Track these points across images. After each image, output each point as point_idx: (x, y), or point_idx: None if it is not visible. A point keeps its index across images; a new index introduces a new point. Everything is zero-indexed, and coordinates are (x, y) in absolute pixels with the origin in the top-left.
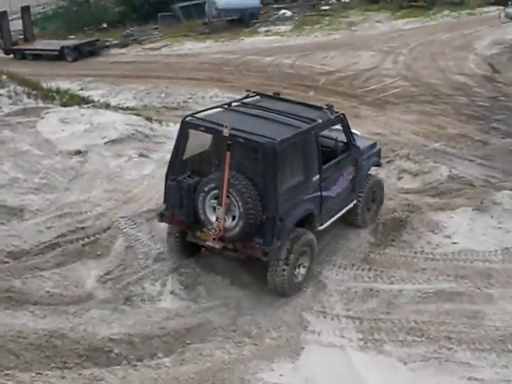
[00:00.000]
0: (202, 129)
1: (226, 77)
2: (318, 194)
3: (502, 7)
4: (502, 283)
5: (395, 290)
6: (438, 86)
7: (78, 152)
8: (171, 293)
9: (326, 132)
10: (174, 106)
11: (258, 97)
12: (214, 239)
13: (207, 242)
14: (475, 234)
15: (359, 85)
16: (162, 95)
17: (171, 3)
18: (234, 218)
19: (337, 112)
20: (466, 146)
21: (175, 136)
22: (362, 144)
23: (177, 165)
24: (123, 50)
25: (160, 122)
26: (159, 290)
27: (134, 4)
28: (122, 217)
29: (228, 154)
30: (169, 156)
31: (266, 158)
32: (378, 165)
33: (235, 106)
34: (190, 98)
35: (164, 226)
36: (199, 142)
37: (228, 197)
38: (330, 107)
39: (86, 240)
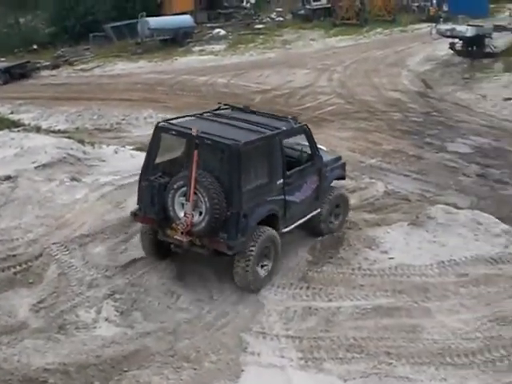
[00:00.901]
0: (174, 132)
1: (160, 97)
2: (282, 197)
3: (433, 24)
4: (439, 297)
5: (334, 307)
6: (372, 102)
7: (8, 177)
8: (106, 319)
9: (292, 143)
10: (106, 128)
11: (229, 109)
12: (182, 233)
13: (176, 236)
14: (411, 248)
15: (295, 103)
16: (95, 117)
17: (103, 23)
18: (200, 213)
19: (301, 123)
20: (400, 161)
21: (109, 159)
22: (326, 157)
23: (149, 168)
24: (54, 72)
25: (93, 144)
26: (94, 318)
27: (66, 25)
28: (54, 243)
29: (195, 152)
30: (103, 179)
31: (231, 158)
32: (342, 178)
33: (206, 115)
34: (123, 120)
35: (98, 251)
36: (170, 147)
37: (195, 193)
38: (294, 118)
39: (18, 268)
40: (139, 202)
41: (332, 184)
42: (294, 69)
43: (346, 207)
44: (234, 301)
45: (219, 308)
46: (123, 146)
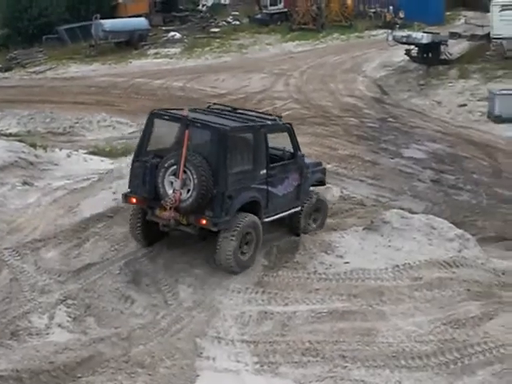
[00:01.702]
0: (166, 117)
1: (115, 100)
2: (265, 187)
3: (389, 30)
4: (394, 300)
5: (289, 311)
6: (328, 107)
7: None
8: (59, 325)
9: (275, 145)
10: (59, 132)
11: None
12: (170, 209)
13: (164, 213)
14: (366, 252)
15: (251, 107)
16: (47, 120)
17: (56, 25)
18: (188, 191)
19: (285, 122)
20: (356, 166)
21: (61, 163)
22: (307, 160)
23: (142, 151)
24: (6, 74)
25: (45, 148)
26: (47, 323)
27: (18, 26)
28: (6, 248)
29: (187, 132)
30: (55, 183)
31: (219, 140)
32: (323, 182)
33: (198, 110)
34: (76, 123)
35: (50, 256)
36: (162, 134)
37: (185, 172)
38: (279, 117)
39: None
40: (130, 183)
41: (312, 189)
42: (250, 73)
43: (324, 213)
44: (189, 306)
45: (174, 313)
46: (76, 150)
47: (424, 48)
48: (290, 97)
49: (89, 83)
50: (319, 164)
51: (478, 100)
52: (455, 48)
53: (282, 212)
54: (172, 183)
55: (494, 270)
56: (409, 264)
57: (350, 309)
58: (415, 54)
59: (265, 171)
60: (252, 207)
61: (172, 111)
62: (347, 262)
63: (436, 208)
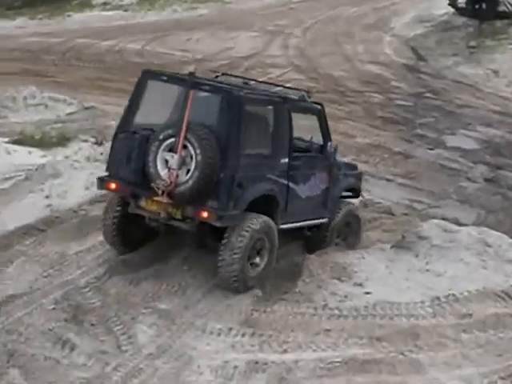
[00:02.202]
0: (164, 78)
1: (48, 69)
2: (285, 182)
3: None
4: (432, 346)
5: (289, 360)
6: (343, 79)
7: None
8: None
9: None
10: None
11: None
12: (163, 193)
13: (154, 198)
14: (395, 279)
15: None
16: None
17: None
18: (188, 172)
19: (315, 102)
20: (382, 160)
21: None
22: (340, 159)
23: (129, 121)
24: None
25: None
26: None
27: None
28: None
29: (191, 92)
30: None
31: (231, 107)
32: (357, 192)
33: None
34: None
35: None
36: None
37: (185, 147)
38: (308, 92)
39: None
40: (110, 163)
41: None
42: (235, 31)
43: (357, 229)
44: (151, 353)
45: (130, 363)
46: None
47: None
48: (289, 64)
49: (12, 45)
50: (354, 167)
51: None
52: None
53: (304, 220)
54: (167, 162)
55: None
56: (454, 295)
57: (372, 357)
58: (463, 5)
59: (286, 160)
60: (266, 207)
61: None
62: (369, 293)
63: (492, 218)
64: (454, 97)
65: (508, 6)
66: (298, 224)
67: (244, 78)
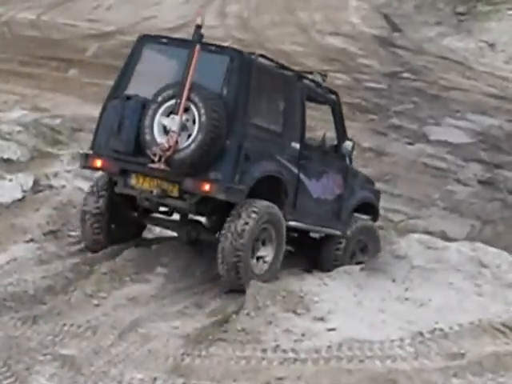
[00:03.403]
0: (164, 41)
1: None
2: (296, 170)
3: None
4: None
5: None
6: (297, 55)
7: None
8: None
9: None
10: None
11: None
12: (160, 159)
13: (150, 165)
14: (366, 311)
15: None
16: None
17: None
18: (189, 137)
19: (331, 89)
20: None
21: None
22: (357, 172)
23: (121, 88)
24: None
25: None
26: None
27: None
28: None
29: (197, 48)
30: None
31: (241, 70)
32: (374, 209)
33: None
34: None
35: None
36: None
37: (186, 110)
38: (323, 75)
39: None
40: (96, 138)
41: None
42: None
43: (375, 247)
44: None
45: None
46: None
47: None
48: (228, 36)
49: None
50: (371, 182)
51: None
52: None
53: (314, 224)
54: (165, 128)
55: None
56: (441, 330)
57: None
58: None
59: (298, 146)
60: (274, 196)
61: None
62: (333, 329)
63: (488, 230)
64: (438, 77)
65: None
66: (308, 226)
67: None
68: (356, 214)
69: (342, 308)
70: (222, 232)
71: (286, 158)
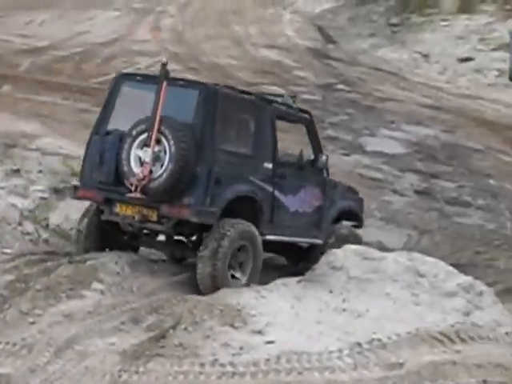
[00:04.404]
0: (139, 79)
1: None
2: (270, 188)
3: None
4: None
5: None
6: (232, 69)
7: None
8: None
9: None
10: None
11: None
12: (136, 188)
13: (128, 194)
14: (304, 323)
15: (93, 71)
16: None
17: None
18: (162, 166)
19: (303, 109)
20: None
21: None
22: (338, 183)
23: (102, 130)
24: None
25: None
26: None
27: None
28: None
29: (164, 84)
30: None
31: (207, 100)
32: (358, 218)
33: None
34: None
35: None
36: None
37: (158, 142)
38: (293, 97)
39: None
40: (83, 170)
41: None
42: (90, 10)
43: None
44: None
45: None
46: None
47: None
48: (163, 50)
49: None
50: (354, 191)
51: (493, 49)
52: None
53: (293, 236)
54: (140, 158)
55: None
56: (379, 340)
57: None
58: None
59: (270, 165)
60: (250, 215)
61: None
62: (271, 342)
63: (425, 240)
64: (373, 88)
65: None
66: (286, 238)
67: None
68: (345, 223)
69: (280, 320)
70: (200, 250)
71: (259, 177)
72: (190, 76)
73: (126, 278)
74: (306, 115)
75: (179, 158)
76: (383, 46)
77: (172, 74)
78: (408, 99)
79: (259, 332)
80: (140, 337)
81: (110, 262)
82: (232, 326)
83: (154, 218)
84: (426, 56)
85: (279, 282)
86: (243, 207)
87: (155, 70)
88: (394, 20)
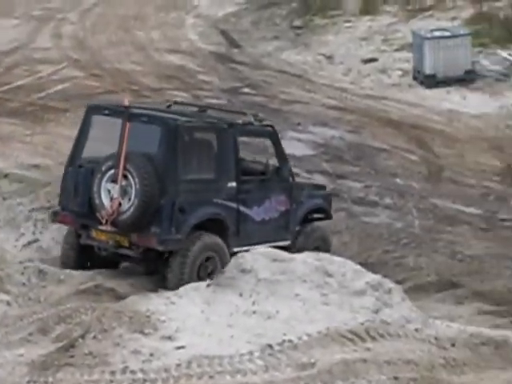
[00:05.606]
0: (107, 112)
1: None
2: (235, 205)
3: None
4: None
5: None
6: (135, 74)
7: None
8: None
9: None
10: None
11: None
12: (107, 222)
13: (99, 227)
14: (215, 327)
15: None
16: None
17: None
18: (129, 200)
19: (265, 123)
20: None
21: None
22: (305, 184)
23: (77, 156)
24: None
25: None
26: None
27: None
28: None
29: (128, 125)
30: None
31: (168, 135)
32: (326, 213)
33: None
34: None
35: None
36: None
37: (125, 177)
38: (255, 115)
39: None
40: (61, 198)
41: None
42: None
43: (326, 243)
44: None
45: None
46: None
47: None
48: (65, 57)
49: None
50: (321, 187)
51: (396, 50)
52: None
53: (262, 243)
54: (110, 191)
55: (437, 340)
56: (290, 341)
57: None
58: None
59: (234, 184)
60: (216, 231)
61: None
62: (182, 347)
63: (334, 240)
64: (278, 91)
65: None
66: (254, 246)
67: (199, 105)
68: (316, 223)
69: (190, 325)
70: (168, 265)
71: (223, 197)
72: (92, 83)
73: (32, 288)
74: (269, 128)
75: (143, 193)
76: (287, 49)
77: (73, 82)
78: (313, 101)
79: (169, 338)
80: (48, 347)
81: (16, 272)
82: (142, 332)
83: (126, 244)
84: (330, 58)
85: (189, 286)
86: (211, 224)
87: (57, 78)
88: (297, 22)
